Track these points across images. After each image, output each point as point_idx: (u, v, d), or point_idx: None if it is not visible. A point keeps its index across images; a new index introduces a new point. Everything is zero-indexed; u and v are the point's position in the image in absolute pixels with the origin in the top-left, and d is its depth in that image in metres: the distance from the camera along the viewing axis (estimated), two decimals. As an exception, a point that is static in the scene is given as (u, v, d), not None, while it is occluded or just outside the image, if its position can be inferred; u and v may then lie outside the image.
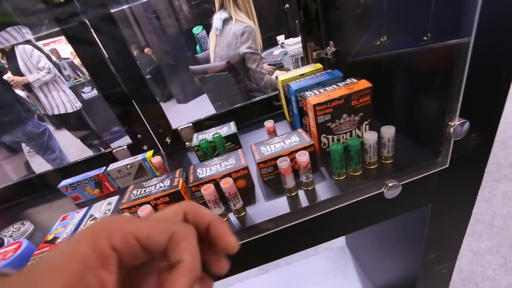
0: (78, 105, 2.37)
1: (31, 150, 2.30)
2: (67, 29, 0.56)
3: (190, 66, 1.67)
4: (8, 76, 2.10)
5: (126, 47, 0.63)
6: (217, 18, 1.39)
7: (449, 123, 0.38)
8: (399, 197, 0.43)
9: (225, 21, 1.39)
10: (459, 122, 0.37)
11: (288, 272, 1.18)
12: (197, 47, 4.14)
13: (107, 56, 0.61)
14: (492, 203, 1.27)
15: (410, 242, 0.61)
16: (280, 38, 2.38)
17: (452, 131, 0.38)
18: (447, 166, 0.42)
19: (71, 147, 3.18)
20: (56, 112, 2.24)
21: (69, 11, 0.54)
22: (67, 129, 2.52)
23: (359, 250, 1.05)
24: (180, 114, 4.11)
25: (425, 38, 0.37)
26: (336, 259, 1.15)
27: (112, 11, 0.59)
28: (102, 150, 0.76)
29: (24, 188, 0.76)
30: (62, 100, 2.25)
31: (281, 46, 2.35)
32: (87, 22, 0.56)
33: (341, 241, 1.24)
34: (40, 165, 2.24)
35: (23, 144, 2.11)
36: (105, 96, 0.65)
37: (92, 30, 0.57)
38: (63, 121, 2.44)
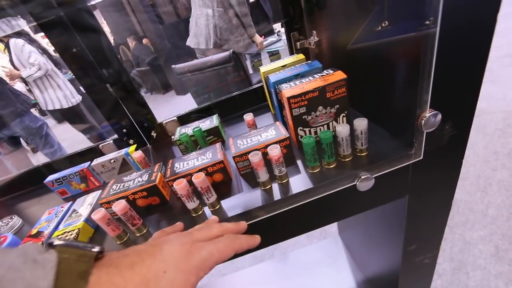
0: (76, 99, 2.35)
1: (30, 146, 2.31)
2: (43, 23, 0.56)
3: (175, 66, 1.60)
4: (9, 68, 2.09)
5: (106, 40, 0.63)
6: None
7: (421, 114, 0.37)
8: (374, 189, 0.43)
9: None
10: (430, 114, 0.37)
11: (282, 262, 1.20)
12: (195, 37, 4.06)
13: (86, 50, 0.61)
14: (487, 193, 1.27)
15: (392, 233, 0.61)
16: (277, 27, 2.33)
17: (423, 122, 0.37)
18: (421, 158, 0.42)
19: (73, 140, 3.21)
20: (50, 108, 2.22)
21: (44, 5, 0.53)
22: (68, 123, 2.52)
23: (350, 239, 1.06)
24: (179, 105, 4.10)
25: (415, 26, 0.36)
26: (328, 249, 1.16)
27: (89, 4, 0.59)
28: (106, 141, 0.77)
29: (15, 183, 0.78)
30: (57, 96, 2.22)
31: (277, 35, 2.31)
32: (64, 15, 0.56)
33: (334, 230, 1.26)
34: (42, 159, 2.27)
35: (22, 141, 2.12)
36: (87, 91, 0.65)
37: (69, 23, 0.57)
38: (62, 115, 2.45)
